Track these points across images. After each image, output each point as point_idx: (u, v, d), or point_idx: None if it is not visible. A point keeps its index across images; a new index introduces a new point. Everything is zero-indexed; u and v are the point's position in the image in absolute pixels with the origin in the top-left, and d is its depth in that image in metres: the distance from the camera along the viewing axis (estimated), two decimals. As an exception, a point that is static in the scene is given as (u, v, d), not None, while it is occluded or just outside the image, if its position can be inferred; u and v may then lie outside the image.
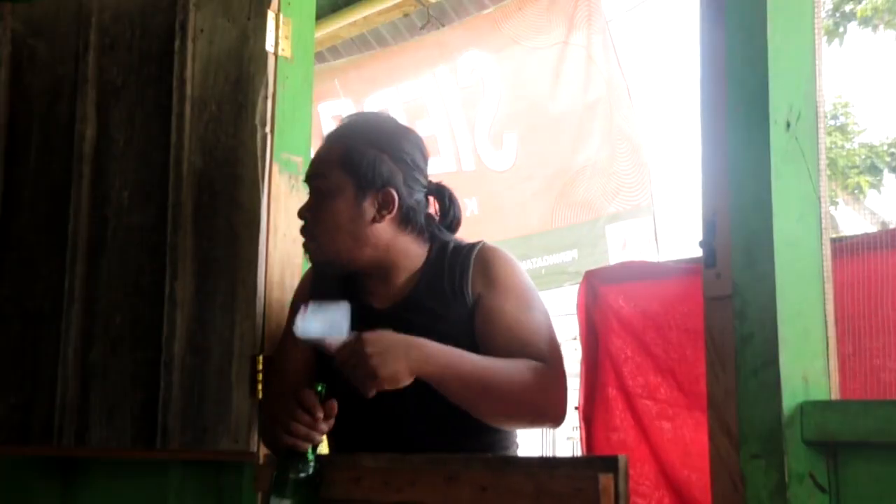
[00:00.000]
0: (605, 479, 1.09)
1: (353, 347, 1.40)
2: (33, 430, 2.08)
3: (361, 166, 1.59)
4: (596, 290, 2.37)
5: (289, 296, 1.84)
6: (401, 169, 1.62)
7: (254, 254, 1.83)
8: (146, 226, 2.01)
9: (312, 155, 1.72)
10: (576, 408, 2.46)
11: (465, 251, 1.60)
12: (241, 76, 1.91)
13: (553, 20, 3.66)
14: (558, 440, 19.64)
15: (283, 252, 1.88)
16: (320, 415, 1.41)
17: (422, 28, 3.77)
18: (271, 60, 1.90)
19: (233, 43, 1.94)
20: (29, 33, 2.29)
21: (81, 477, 2.17)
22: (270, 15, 1.92)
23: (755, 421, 1.15)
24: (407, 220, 1.63)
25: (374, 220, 1.59)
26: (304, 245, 1.63)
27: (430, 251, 1.63)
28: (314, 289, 1.70)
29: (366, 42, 4.25)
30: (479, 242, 1.63)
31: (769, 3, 1.21)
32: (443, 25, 3.79)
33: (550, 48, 3.68)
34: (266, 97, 1.88)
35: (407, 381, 1.40)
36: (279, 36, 1.92)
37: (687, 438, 2.14)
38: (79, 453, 2.05)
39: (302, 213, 1.62)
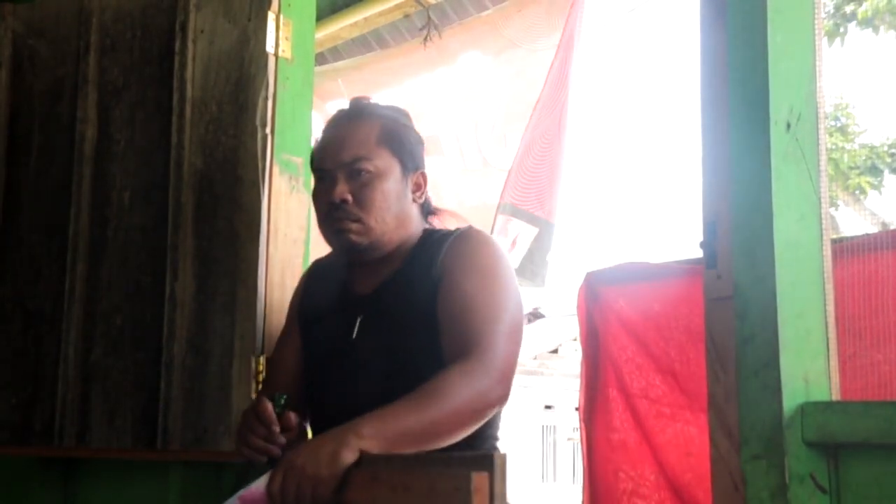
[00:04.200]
0: (479, 478, 1.08)
1: (282, 471, 1.28)
2: (34, 430, 2.08)
3: (405, 146, 1.59)
4: (596, 291, 2.37)
5: (289, 296, 1.84)
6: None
7: (254, 254, 1.83)
8: (147, 226, 2.01)
9: (323, 141, 1.63)
10: (576, 409, 2.46)
11: (445, 235, 1.58)
12: (242, 77, 1.91)
13: (553, 23, 3.66)
14: (559, 441, 19.65)
15: (283, 253, 1.88)
16: (276, 428, 1.37)
17: (421, 29, 3.77)
18: (272, 61, 1.90)
19: (233, 44, 1.94)
20: (30, 34, 2.29)
21: (82, 477, 2.18)
22: (271, 16, 1.92)
23: (756, 422, 1.16)
24: (426, 204, 1.65)
25: (413, 201, 1.61)
26: (340, 229, 1.55)
27: (420, 236, 1.62)
28: (312, 285, 1.71)
29: (366, 43, 4.25)
30: (462, 227, 1.60)
31: (769, 4, 1.22)
32: (439, 32, 3.80)
33: (550, 51, 3.68)
34: (266, 98, 1.88)
35: (350, 457, 1.27)
36: (279, 37, 1.93)
37: (688, 439, 2.14)
38: (80, 454, 2.05)
39: (342, 195, 1.54)
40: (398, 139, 1.59)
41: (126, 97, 2.10)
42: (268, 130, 1.88)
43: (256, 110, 1.88)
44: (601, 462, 2.32)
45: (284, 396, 1.41)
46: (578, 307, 2.40)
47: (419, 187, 1.62)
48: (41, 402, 2.08)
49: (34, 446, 2.09)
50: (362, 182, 1.54)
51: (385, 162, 1.56)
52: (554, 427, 19.66)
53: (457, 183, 3.79)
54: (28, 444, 2.09)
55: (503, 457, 1.13)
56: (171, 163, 1.97)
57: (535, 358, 19.84)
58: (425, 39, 3.81)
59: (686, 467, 2.13)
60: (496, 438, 1.58)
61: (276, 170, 1.88)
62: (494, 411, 1.44)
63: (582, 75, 3.63)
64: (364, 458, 1.26)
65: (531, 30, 3.74)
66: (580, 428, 2.40)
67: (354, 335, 1.55)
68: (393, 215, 1.56)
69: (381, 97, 4.16)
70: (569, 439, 19.25)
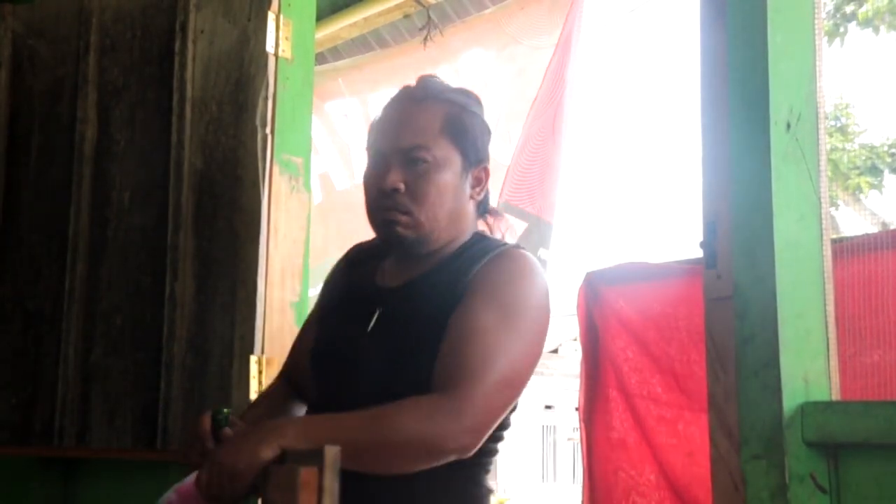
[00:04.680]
0: (307, 473, 1.08)
1: (207, 464, 1.26)
2: (34, 430, 2.08)
3: (468, 137, 1.46)
4: (597, 291, 2.37)
5: (289, 296, 1.84)
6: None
7: (254, 254, 1.83)
8: (147, 226, 2.01)
9: (383, 120, 1.50)
10: (576, 409, 2.46)
11: (490, 247, 1.45)
12: (242, 77, 1.91)
13: (554, 21, 3.66)
14: (559, 441, 19.65)
15: (283, 253, 1.88)
16: (210, 445, 1.32)
17: (421, 29, 3.77)
18: (272, 61, 1.90)
19: (233, 44, 1.94)
20: (30, 34, 2.29)
21: (82, 477, 2.18)
22: (271, 16, 1.92)
23: (756, 422, 1.16)
24: (484, 202, 1.53)
25: (471, 197, 1.48)
26: (388, 220, 1.43)
27: (468, 239, 1.49)
28: (347, 268, 1.60)
29: (366, 43, 4.24)
30: (510, 245, 1.48)
31: (769, 4, 1.22)
32: (441, 31, 3.79)
33: (551, 49, 3.68)
34: (266, 98, 1.88)
35: (267, 454, 1.23)
36: (279, 37, 1.93)
37: (688, 439, 2.14)
38: (80, 454, 2.05)
39: (394, 184, 1.41)
40: (463, 128, 1.46)
41: (126, 97, 2.10)
42: (268, 130, 1.88)
43: (256, 110, 1.88)
44: (601, 462, 2.32)
45: (225, 411, 1.37)
46: (578, 307, 2.40)
47: (479, 182, 1.49)
48: (41, 402, 2.08)
49: (34, 446, 2.09)
50: (418, 172, 1.42)
51: (446, 153, 1.43)
52: (554, 427, 19.66)
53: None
54: (28, 444, 2.09)
55: (335, 452, 1.11)
56: (171, 163, 1.97)
57: (536, 358, 19.78)
58: (425, 39, 3.81)
59: (687, 467, 2.13)
60: (498, 438, 1.46)
61: (276, 170, 1.88)
62: (451, 458, 1.29)
63: (580, 74, 3.63)
64: (289, 455, 1.24)
65: (533, 27, 3.74)
66: (580, 428, 2.40)
67: (370, 328, 1.44)
68: (446, 212, 1.43)
69: (382, 95, 4.16)
70: (569, 439, 19.26)
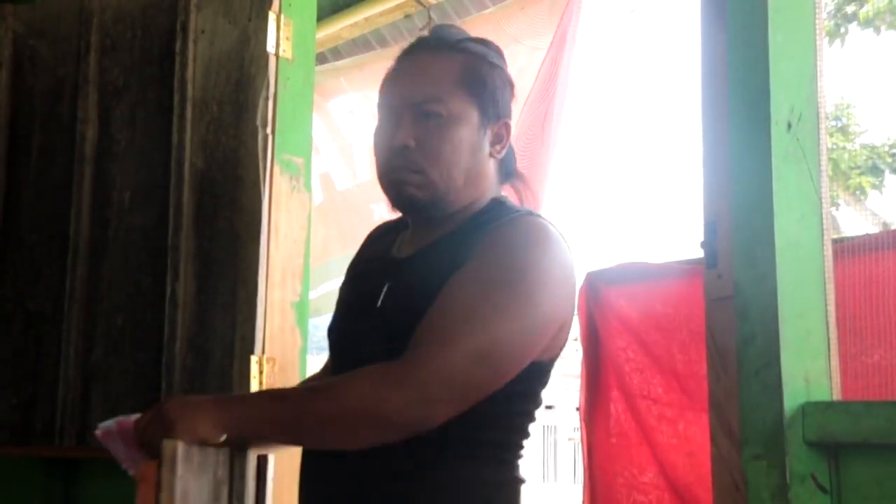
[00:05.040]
0: (145, 468, 1.07)
1: (154, 409, 1.21)
2: (35, 430, 2.08)
3: (486, 89, 1.34)
4: (597, 291, 2.37)
5: (290, 296, 1.85)
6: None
7: (255, 255, 1.83)
8: (147, 227, 2.01)
9: (394, 72, 1.39)
10: (577, 409, 2.46)
11: (503, 214, 1.31)
12: (242, 77, 1.91)
13: (554, 21, 3.66)
14: (559, 441, 19.64)
15: (284, 253, 1.88)
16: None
17: (422, 29, 3.77)
18: (272, 61, 1.91)
19: (234, 44, 1.94)
20: (30, 34, 2.29)
21: (83, 477, 2.18)
22: (271, 16, 1.92)
23: (756, 422, 1.15)
24: (507, 162, 1.40)
25: (490, 155, 1.36)
26: (398, 179, 1.31)
27: (487, 204, 1.36)
28: (367, 244, 1.52)
29: (367, 43, 4.25)
30: (527, 211, 1.34)
31: (770, 4, 1.21)
32: None
33: (551, 49, 3.68)
34: (267, 98, 1.88)
35: (213, 435, 1.17)
36: (280, 37, 1.93)
37: (689, 439, 2.14)
38: (80, 454, 2.06)
39: (405, 140, 1.30)
40: (481, 80, 1.33)
41: (126, 97, 2.11)
42: (268, 130, 1.88)
43: (257, 110, 1.88)
44: (602, 462, 2.32)
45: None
46: (579, 307, 2.40)
47: (500, 139, 1.36)
48: (42, 402, 2.08)
49: (35, 446, 2.09)
50: (431, 127, 1.30)
51: (461, 106, 1.31)
52: (555, 427, 19.66)
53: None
54: (28, 444, 2.09)
55: (173, 446, 1.07)
56: (172, 163, 1.97)
57: (536, 358, 19.79)
58: (423, 27, 3.81)
59: (687, 467, 2.13)
60: (511, 428, 1.32)
61: (276, 170, 1.88)
62: (404, 432, 1.16)
63: (574, 74, 3.63)
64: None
65: (533, 27, 3.74)
66: (581, 428, 2.40)
67: (380, 302, 1.32)
68: (462, 170, 1.31)
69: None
70: (569, 439, 19.27)
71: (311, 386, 1.25)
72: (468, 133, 1.32)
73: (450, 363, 1.15)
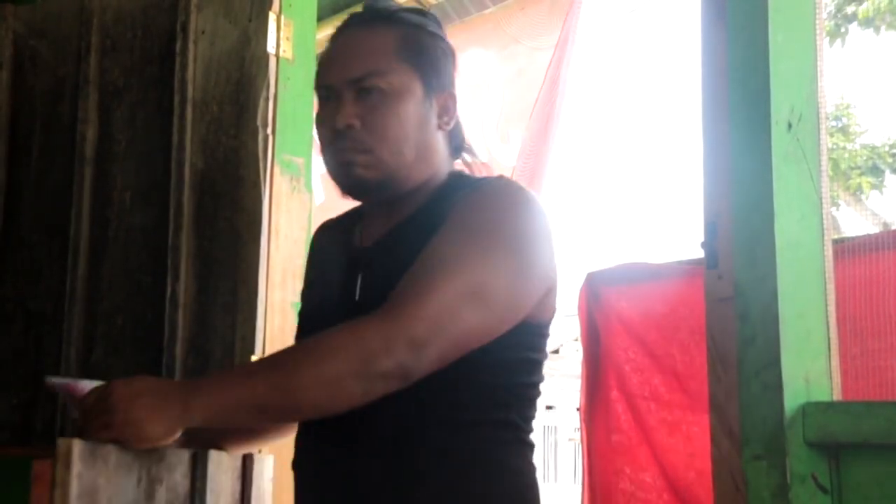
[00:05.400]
0: (40, 465, 1.04)
1: (100, 393, 1.10)
2: (35, 430, 2.08)
3: (428, 60, 1.28)
4: (597, 291, 2.37)
5: (290, 297, 1.84)
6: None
7: (255, 255, 1.84)
8: (147, 227, 2.01)
9: (329, 51, 1.32)
10: (577, 409, 2.46)
11: (471, 181, 1.27)
12: (243, 77, 1.91)
13: (554, 21, 3.66)
14: (560, 441, 19.64)
15: (284, 253, 1.88)
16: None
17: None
18: (272, 62, 1.91)
19: (234, 44, 1.94)
20: (31, 35, 2.29)
21: (83, 478, 2.18)
22: (272, 16, 1.92)
23: (757, 422, 1.15)
24: (456, 135, 1.34)
25: (438, 128, 1.30)
26: (345, 161, 1.25)
27: (446, 179, 1.31)
28: (317, 244, 1.46)
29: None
30: (498, 175, 1.30)
31: (770, 4, 1.21)
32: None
33: (550, 50, 3.69)
34: (267, 98, 1.88)
35: (165, 437, 1.09)
36: (280, 37, 1.93)
37: (690, 439, 2.14)
38: (80, 454, 2.05)
39: (348, 119, 1.23)
40: (421, 49, 1.28)
41: (127, 98, 2.11)
42: (269, 131, 1.88)
43: (257, 111, 1.88)
44: (601, 462, 2.32)
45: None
46: (579, 308, 2.40)
47: (447, 111, 1.30)
48: (42, 402, 2.08)
49: (35, 446, 2.09)
50: (374, 103, 1.24)
51: (403, 78, 1.25)
52: (555, 427, 19.66)
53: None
54: (29, 444, 2.09)
55: (68, 444, 1.01)
56: (172, 163, 1.97)
57: (537, 358, 19.82)
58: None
59: (688, 467, 2.13)
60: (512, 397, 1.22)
61: (277, 170, 1.88)
62: (393, 380, 1.07)
63: (577, 75, 3.63)
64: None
65: (533, 27, 3.74)
66: (581, 428, 2.40)
67: (357, 296, 1.26)
68: (412, 145, 1.25)
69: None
70: (570, 440, 19.27)
71: (280, 351, 1.13)
72: (413, 106, 1.26)
73: (436, 302, 1.07)
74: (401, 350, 1.06)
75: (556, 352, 20.10)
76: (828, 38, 8.70)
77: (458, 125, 1.34)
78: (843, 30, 9.05)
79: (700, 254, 1.27)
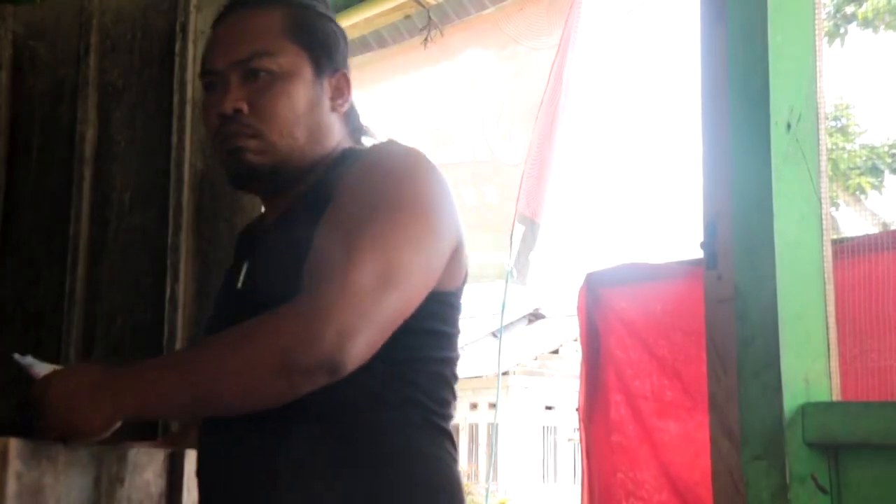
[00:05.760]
0: None
1: (39, 388, 1.12)
2: (36, 430, 2.08)
3: (317, 40, 1.22)
4: (597, 292, 2.37)
5: (290, 297, 1.84)
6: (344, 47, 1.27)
7: (255, 255, 1.84)
8: (147, 227, 2.01)
9: (213, 36, 1.26)
10: (576, 409, 2.46)
11: (361, 153, 1.20)
12: (242, 78, 1.91)
13: (552, 21, 3.67)
14: (559, 441, 19.66)
15: (284, 254, 1.89)
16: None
17: (422, 30, 3.77)
18: (272, 62, 1.90)
19: (234, 45, 1.94)
20: (30, 35, 2.29)
21: (82, 479, 2.18)
22: (271, 17, 1.92)
23: (757, 423, 1.15)
24: (352, 118, 1.29)
25: (332, 109, 1.24)
26: (234, 147, 1.19)
27: (337, 157, 1.23)
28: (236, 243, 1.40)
29: (366, 44, 4.25)
30: (388, 139, 1.23)
31: (770, 4, 1.22)
32: (441, 31, 3.80)
33: (549, 50, 3.69)
34: (267, 99, 1.88)
35: (103, 431, 1.10)
36: (280, 38, 1.93)
37: (690, 440, 2.14)
38: (80, 455, 2.05)
39: (235, 104, 1.17)
40: (310, 28, 1.22)
41: (126, 98, 2.11)
42: (268, 131, 1.88)
43: (257, 111, 1.88)
44: (601, 463, 2.32)
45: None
46: (579, 308, 2.40)
47: (341, 93, 1.25)
48: (42, 403, 2.08)
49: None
50: (262, 86, 1.18)
51: (292, 60, 1.20)
52: (554, 428, 19.67)
53: (467, 175, 3.81)
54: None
55: (4, 443, 1.01)
56: (172, 164, 1.97)
57: (536, 358, 19.86)
58: (425, 40, 3.82)
59: (688, 468, 2.13)
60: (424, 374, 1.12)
61: (276, 171, 1.88)
62: (320, 375, 0.98)
63: (578, 75, 3.65)
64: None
65: (532, 28, 3.75)
66: (580, 429, 2.40)
67: (240, 283, 1.21)
68: (304, 128, 1.19)
69: (385, 91, 4.17)
70: (569, 440, 19.27)
71: (195, 344, 1.11)
72: (304, 88, 1.20)
73: (357, 289, 0.99)
74: (325, 343, 0.96)
75: (556, 352, 20.12)
76: (827, 39, 8.70)
77: (353, 108, 1.29)
78: (842, 30, 9.05)
79: (700, 254, 1.27)
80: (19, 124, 2.28)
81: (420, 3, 3.76)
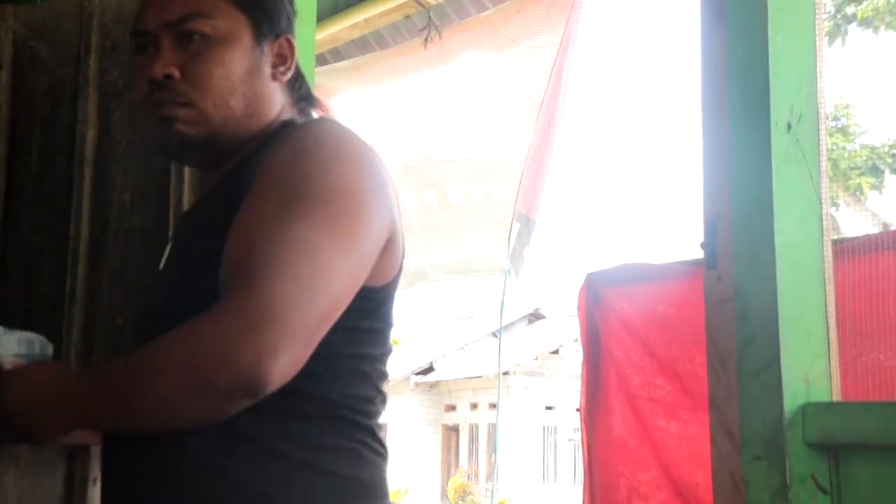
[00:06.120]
0: None
1: (1, 385, 1.05)
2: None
3: (257, 1, 1.14)
4: (597, 292, 2.37)
5: (290, 297, 1.84)
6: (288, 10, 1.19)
7: (255, 255, 1.83)
8: (147, 227, 2.01)
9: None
10: (577, 410, 2.46)
11: (287, 130, 1.09)
12: (243, 78, 1.91)
13: (553, 20, 3.67)
14: (559, 441, 19.66)
15: (284, 254, 1.88)
16: None
17: (422, 30, 3.78)
18: (272, 62, 1.90)
19: (234, 45, 1.94)
20: (31, 35, 2.29)
21: (83, 479, 2.18)
22: (271, 17, 1.92)
23: (757, 423, 1.15)
24: (297, 86, 1.20)
25: (273, 78, 1.15)
26: (164, 116, 1.10)
27: (277, 126, 1.14)
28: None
29: (366, 44, 4.25)
30: (319, 118, 1.16)
31: (770, 5, 1.22)
32: (440, 33, 3.81)
33: (551, 48, 3.69)
34: (267, 99, 1.88)
35: (60, 434, 1.03)
36: (280, 38, 1.93)
37: (691, 440, 2.14)
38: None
39: (166, 68, 1.08)
40: None
41: (127, 98, 2.10)
42: (268, 131, 1.88)
43: (257, 111, 1.88)
44: (602, 463, 2.32)
45: None
46: (579, 308, 2.40)
47: (284, 60, 1.15)
48: (42, 403, 2.08)
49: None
50: (196, 50, 1.09)
51: (229, 22, 1.11)
52: (555, 428, 19.67)
53: (474, 171, 3.82)
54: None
55: None
56: (172, 164, 1.97)
57: (536, 359, 19.86)
58: (426, 41, 3.82)
59: (690, 468, 2.13)
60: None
61: (276, 171, 1.88)
62: (246, 394, 0.89)
63: (577, 75, 3.65)
64: None
65: (531, 28, 3.75)
66: (581, 429, 2.40)
67: (162, 264, 1.14)
68: (240, 97, 1.10)
69: (385, 92, 4.18)
70: (570, 440, 19.27)
71: (126, 357, 0.99)
72: (241, 53, 1.11)
73: (279, 301, 0.89)
74: (244, 362, 0.87)
75: (556, 352, 20.11)
76: (827, 39, 8.70)
77: (299, 76, 1.20)
78: (842, 30, 9.05)
79: (700, 254, 1.27)
80: (20, 124, 2.28)
81: (420, 4, 3.77)
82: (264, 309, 0.89)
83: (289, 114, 1.16)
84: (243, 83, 1.11)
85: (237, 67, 1.10)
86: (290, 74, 1.17)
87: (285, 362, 0.89)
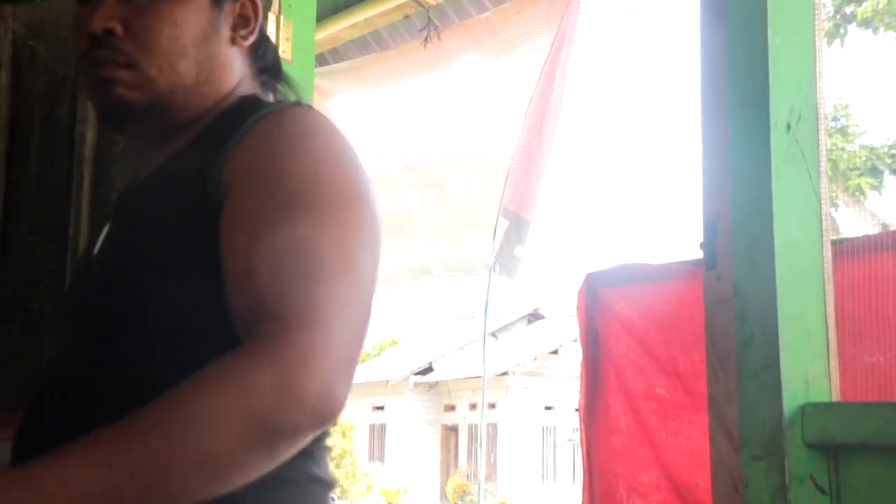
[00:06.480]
0: None
1: None
2: (34, 431, 2.08)
3: None
4: (596, 292, 2.37)
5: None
6: None
7: (255, 255, 1.83)
8: (147, 227, 2.01)
9: None
10: (576, 410, 2.46)
11: (256, 110, 0.93)
12: (242, 78, 1.92)
13: (553, 21, 3.67)
14: (559, 442, 19.67)
15: (283, 254, 1.88)
16: None
17: (421, 30, 3.78)
18: (272, 62, 1.91)
19: (234, 45, 1.95)
20: (30, 35, 2.30)
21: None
22: (271, 17, 1.92)
23: (756, 423, 1.16)
24: (262, 54, 1.07)
25: (232, 42, 1.01)
26: (102, 78, 0.96)
27: (233, 104, 1.00)
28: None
29: (366, 44, 4.26)
30: (291, 102, 0.99)
31: (770, 5, 1.22)
32: (439, 34, 3.81)
33: (551, 50, 3.70)
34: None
35: None
36: (280, 38, 1.93)
37: (691, 440, 2.14)
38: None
39: (106, 23, 0.95)
40: None
41: (126, 98, 2.11)
42: (268, 131, 1.88)
43: (257, 111, 1.88)
44: (601, 463, 2.32)
45: None
46: (578, 308, 2.40)
47: (246, 21, 1.02)
48: (41, 403, 2.08)
49: (34, 447, 2.09)
50: (142, 4, 0.96)
51: None
52: (554, 428, 19.67)
53: (474, 170, 3.82)
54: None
55: None
56: (172, 164, 1.98)
57: (536, 359, 19.87)
58: (425, 41, 3.82)
59: (690, 468, 2.13)
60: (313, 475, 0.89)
61: (276, 171, 1.88)
62: (301, 437, 0.77)
63: (572, 74, 3.66)
64: None
65: (530, 29, 3.75)
66: (580, 429, 2.40)
67: (96, 249, 0.99)
68: (192, 61, 0.97)
69: (384, 93, 4.18)
70: (569, 440, 19.27)
71: (126, 427, 0.75)
72: (195, 11, 0.98)
73: (341, 328, 0.80)
74: (311, 396, 0.76)
75: (556, 352, 20.12)
76: (826, 39, 8.71)
77: (264, 43, 1.08)
78: (841, 30, 9.06)
79: (700, 254, 1.27)
80: (19, 124, 2.28)
81: (420, 4, 3.77)
82: (319, 337, 0.78)
83: (249, 87, 1.04)
84: (196, 46, 0.98)
85: (190, 27, 0.97)
86: (252, 39, 1.04)
87: (344, 389, 0.79)
